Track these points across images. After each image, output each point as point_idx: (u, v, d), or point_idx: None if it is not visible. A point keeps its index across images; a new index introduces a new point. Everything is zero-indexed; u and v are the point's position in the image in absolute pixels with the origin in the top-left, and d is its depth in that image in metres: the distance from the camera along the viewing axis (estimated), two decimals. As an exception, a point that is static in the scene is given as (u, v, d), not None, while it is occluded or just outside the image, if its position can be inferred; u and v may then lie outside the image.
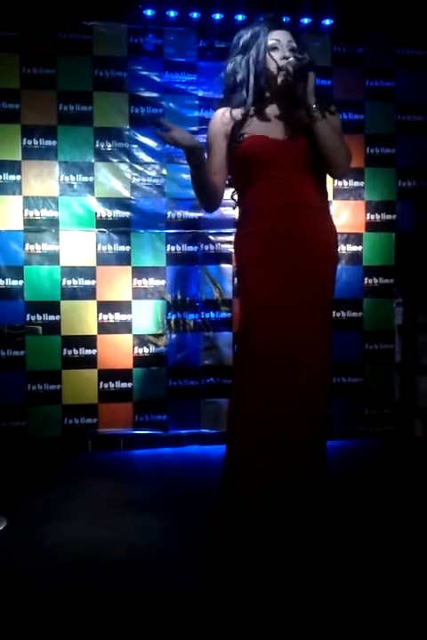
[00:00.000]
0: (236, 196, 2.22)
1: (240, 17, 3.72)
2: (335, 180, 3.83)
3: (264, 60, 2.05)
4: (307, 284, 2.06)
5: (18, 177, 3.60)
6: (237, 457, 2.09)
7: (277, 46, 2.06)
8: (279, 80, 2.05)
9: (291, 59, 2.02)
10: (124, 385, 3.70)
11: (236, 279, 2.22)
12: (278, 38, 2.06)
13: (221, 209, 3.72)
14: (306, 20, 3.78)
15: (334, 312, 3.72)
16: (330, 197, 3.82)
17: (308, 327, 2.05)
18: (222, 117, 2.10)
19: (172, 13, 3.69)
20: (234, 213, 3.74)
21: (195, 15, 3.71)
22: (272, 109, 2.11)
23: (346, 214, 3.88)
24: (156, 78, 3.72)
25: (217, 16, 3.72)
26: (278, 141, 2.07)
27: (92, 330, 3.66)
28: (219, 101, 2.19)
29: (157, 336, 3.73)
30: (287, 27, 2.13)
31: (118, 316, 3.69)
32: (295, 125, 2.08)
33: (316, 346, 2.07)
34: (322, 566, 2.01)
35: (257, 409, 2.05)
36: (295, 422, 2.06)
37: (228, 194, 2.25)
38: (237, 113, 2.09)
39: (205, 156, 2.12)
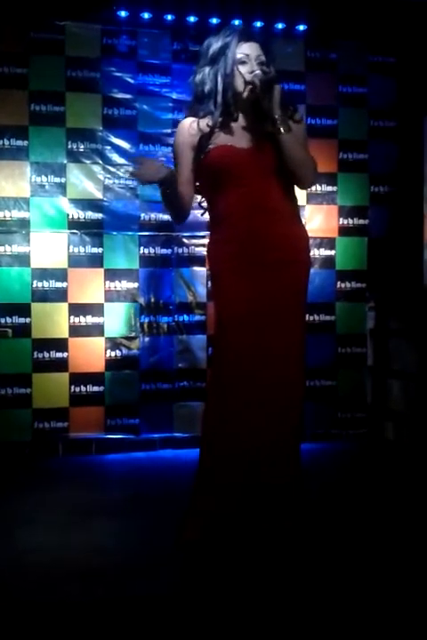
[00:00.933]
0: (204, 204, 2.22)
1: (214, 20, 3.72)
2: (309, 185, 3.86)
3: (232, 74, 2.05)
4: (279, 290, 2.08)
5: (-12, 177, 3.54)
6: (210, 460, 2.08)
7: (246, 60, 2.06)
8: (245, 95, 2.07)
9: (257, 72, 2.03)
10: (95, 388, 3.66)
11: (210, 283, 2.22)
12: (247, 52, 2.06)
13: (195, 212, 3.75)
14: (280, 26, 3.81)
15: (307, 315, 3.85)
16: (303, 202, 3.86)
17: (281, 333, 2.06)
18: (190, 128, 2.10)
19: (146, 15, 3.68)
20: (207, 215, 3.79)
21: (169, 17, 3.71)
22: (239, 121, 2.12)
23: (319, 219, 3.91)
24: (129, 80, 3.70)
25: (191, 19, 3.72)
26: (245, 150, 2.08)
27: (63, 333, 3.62)
28: (187, 108, 2.21)
29: (130, 339, 3.70)
30: (257, 39, 2.12)
31: (90, 319, 3.65)
32: (262, 134, 2.09)
33: (289, 352, 2.08)
34: (298, 567, 2.01)
35: (231, 413, 2.05)
36: (269, 426, 2.06)
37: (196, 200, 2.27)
38: (204, 124, 2.09)
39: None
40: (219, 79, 2.06)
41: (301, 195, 3.81)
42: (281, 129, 2.01)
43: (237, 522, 2.06)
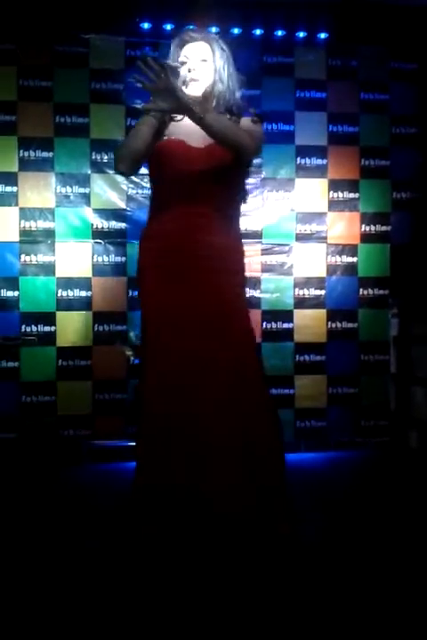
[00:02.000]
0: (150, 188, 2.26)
1: (236, 30, 3.75)
2: (331, 192, 3.87)
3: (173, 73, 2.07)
4: (203, 295, 2.06)
5: (14, 188, 3.61)
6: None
7: (185, 61, 2.12)
8: (189, 91, 2.11)
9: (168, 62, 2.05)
10: (119, 396, 3.69)
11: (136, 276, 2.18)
12: (187, 54, 2.13)
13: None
14: (301, 34, 3.82)
15: (329, 323, 3.85)
16: (325, 209, 3.86)
17: (205, 337, 2.04)
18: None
19: (168, 26, 3.72)
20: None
21: (191, 28, 3.73)
22: (186, 120, 2.10)
23: (341, 226, 3.90)
24: (152, 91, 3.74)
25: (213, 29, 3.74)
26: (195, 149, 2.10)
27: (87, 341, 3.66)
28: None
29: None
30: (202, 38, 2.17)
31: (114, 327, 3.69)
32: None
33: (215, 356, 2.03)
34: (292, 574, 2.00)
35: (160, 408, 2.03)
36: (206, 427, 2.02)
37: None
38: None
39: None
40: None
41: (323, 202, 3.86)
42: (198, 113, 1.99)
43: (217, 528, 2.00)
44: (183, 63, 2.13)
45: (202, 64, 2.14)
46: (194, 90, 2.14)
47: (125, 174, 2.23)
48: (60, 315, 3.64)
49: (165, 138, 2.12)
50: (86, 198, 3.67)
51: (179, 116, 2.12)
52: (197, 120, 2.01)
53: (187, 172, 2.07)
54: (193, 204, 2.07)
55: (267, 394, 2.21)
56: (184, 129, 2.12)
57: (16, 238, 3.61)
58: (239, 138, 2.07)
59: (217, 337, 2.05)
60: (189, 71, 2.12)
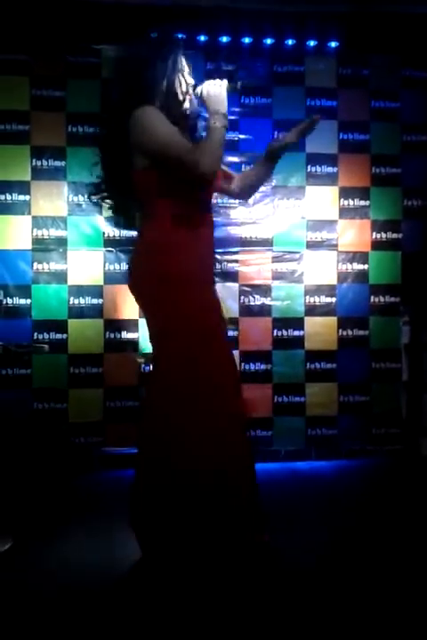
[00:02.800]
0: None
1: (247, 40, 3.77)
2: (342, 199, 3.87)
3: (175, 80, 2.09)
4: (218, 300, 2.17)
5: (27, 197, 3.64)
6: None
7: (185, 71, 2.13)
8: (187, 105, 2.13)
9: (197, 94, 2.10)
10: (130, 403, 3.70)
11: (156, 287, 2.07)
12: (185, 65, 2.15)
13: (229, 228, 3.80)
14: (312, 43, 3.83)
15: (340, 330, 3.85)
16: (336, 216, 3.87)
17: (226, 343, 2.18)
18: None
19: (179, 36, 3.74)
20: (239, 232, 3.82)
21: (202, 38, 3.77)
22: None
23: (352, 233, 3.90)
24: (163, 100, 3.77)
25: (224, 39, 3.78)
26: None
27: (98, 348, 3.68)
28: (135, 102, 2.09)
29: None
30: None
31: (125, 335, 3.70)
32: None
33: (230, 361, 2.15)
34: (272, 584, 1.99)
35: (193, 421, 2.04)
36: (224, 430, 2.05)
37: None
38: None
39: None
40: (163, 80, 2.07)
41: (333, 210, 3.87)
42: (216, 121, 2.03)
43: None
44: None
45: (189, 76, 2.15)
46: (186, 103, 2.14)
47: (209, 178, 2.06)
48: (71, 322, 3.67)
49: None
50: (98, 207, 3.67)
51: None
52: (224, 129, 2.04)
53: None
54: (208, 211, 2.13)
55: (242, 404, 2.21)
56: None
57: (29, 246, 3.65)
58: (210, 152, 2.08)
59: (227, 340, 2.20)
60: (186, 83, 2.13)
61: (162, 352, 2.06)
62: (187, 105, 2.13)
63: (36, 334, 3.63)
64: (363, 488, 3.21)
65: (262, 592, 1.95)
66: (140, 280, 2.12)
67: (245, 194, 2.35)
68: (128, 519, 2.14)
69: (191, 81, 2.14)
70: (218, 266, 3.78)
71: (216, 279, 2.23)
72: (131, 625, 1.80)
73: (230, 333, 3.80)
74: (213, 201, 2.24)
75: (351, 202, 3.90)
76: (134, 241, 2.24)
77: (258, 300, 3.83)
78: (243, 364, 3.80)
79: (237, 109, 3.81)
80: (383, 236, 3.92)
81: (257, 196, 3.81)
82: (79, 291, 3.68)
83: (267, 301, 3.83)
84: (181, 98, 2.11)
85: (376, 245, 3.91)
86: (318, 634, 1.74)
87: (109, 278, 3.70)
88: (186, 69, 2.14)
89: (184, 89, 2.12)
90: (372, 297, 3.90)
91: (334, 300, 3.87)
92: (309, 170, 3.87)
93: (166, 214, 2.06)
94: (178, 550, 2.01)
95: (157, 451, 2.04)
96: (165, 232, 2.07)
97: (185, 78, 2.12)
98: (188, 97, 2.12)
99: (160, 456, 2.03)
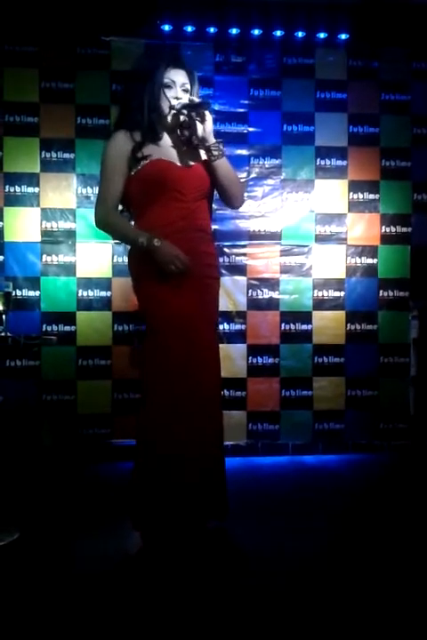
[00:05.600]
0: (129, 213, 2.29)
1: (256, 32, 3.76)
2: (351, 193, 3.86)
3: (158, 96, 2.16)
4: (204, 300, 2.20)
5: (36, 189, 3.65)
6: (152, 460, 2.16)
7: (172, 85, 2.17)
8: (169, 119, 2.18)
9: (183, 100, 2.15)
10: (137, 395, 3.70)
11: (137, 288, 2.23)
12: (174, 78, 2.17)
13: (237, 222, 3.80)
14: (322, 35, 3.81)
15: (349, 324, 3.85)
16: (345, 210, 3.85)
17: (206, 338, 2.18)
18: (124, 140, 2.16)
19: (189, 28, 3.74)
20: (248, 225, 3.81)
21: (212, 30, 3.76)
22: (167, 140, 2.21)
23: (361, 227, 3.89)
24: (172, 92, 3.76)
25: (233, 31, 3.76)
26: (183, 169, 2.19)
27: (107, 340, 3.69)
28: (116, 121, 2.25)
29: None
30: (184, 66, 2.22)
31: (133, 327, 3.71)
32: (194, 157, 2.22)
33: (208, 360, 2.17)
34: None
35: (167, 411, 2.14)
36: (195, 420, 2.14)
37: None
38: (137, 135, 2.16)
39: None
40: (145, 98, 2.16)
41: (343, 203, 3.85)
42: (217, 154, 2.17)
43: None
44: (207, 101, 2.19)
45: (183, 93, 2.19)
46: (173, 117, 2.18)
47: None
48: (80, 314, 3.68)
49: (149, 159, 2.14)
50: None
51: (146, 138, 2.16)
52: (219, 157, 2.17)
53: (182, 191, 2.15)
54: (191, 220, 2.16)
55: (220, 396, 2.29)
56: (164, 150, 2.18)
57: (38, 239, 3.66)
58: (239, 187, 2.29)
59: (213, 338, 2.24)
60: (176, 99, 2.17)
61: (145, 342, 2.21)
62: (173, 117, 2.17)
63: (44, 326, 3.64)
64: (369, 482, 3.20)
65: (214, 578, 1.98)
66: (131, 279, 2.28)
67: (226, 200, 2.31)
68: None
69: (180, 96, 2.17)
70: (227, 259, 3.79)
71: (203, 276, 2.20)
72: (133, 615, 1.81)
73: (238, 327, 3.81)
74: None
75: (361, 195, 3.88)
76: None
77: (266, 294, 3.83)
78: (250, 357, 3.81)
79: (246, 102, 3.80)
80: (393, 229, 3.90)
81: (266, 189, 3.83)
82: (88, 283, 3.69)
83: (275, 295, 3.83)
84: (165, 113, 2.17)
85: (385, 239, 3.90)
86: (317, 633, 1.75)
87: (118, 271, 3.71)
88: (175, 84, 2.17)
89: (169, 105, 2.16)
90: (381, 291, 3.89)
91: (342, 293, 3.86)
92: (318, 163, 3.86)
93: (143, 227, 2.16)
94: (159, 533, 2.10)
95: (138, 435, 2.25)
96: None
97: (168, 95, 2.16)
98: (173, 111, 2.16)
99: (139, 440, 2.23)
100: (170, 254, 2.08)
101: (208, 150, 2.17)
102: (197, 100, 2.16)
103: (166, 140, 2.21)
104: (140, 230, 2.14)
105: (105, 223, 2.21)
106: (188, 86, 2.19)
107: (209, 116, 2.15)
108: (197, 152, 2.22)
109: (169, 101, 2.16)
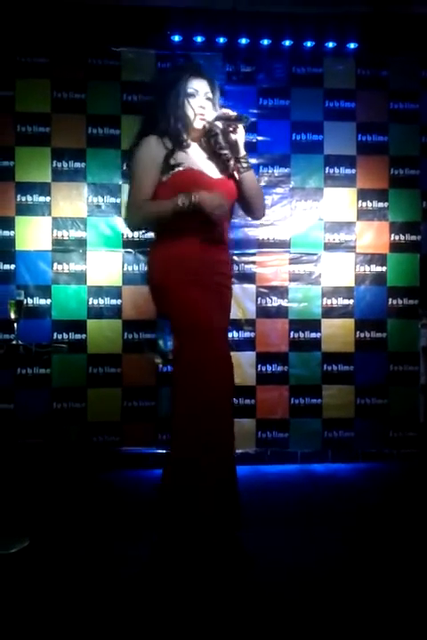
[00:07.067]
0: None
1: (265, 42, 3.78)
2: (360, 201, 3.87)
3: (183, 105, 2.20)
4: (224, 306, 2.27)
5: (47, 198, 3.69)
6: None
7: (195, 94, 2.21)
8: (198, 127, 2.21)
9: (226, 111, 2.19)
10: (147, 403, 3.73)
11: (158, 296, 2.23)
12: (197, 88, 2.22)
13: (246, 230, 3.81)
14: (331, 45, 3.82)
15: (358, 332, 3.85)
16: (354, 218, 3.86)
17: (223, 346, 2.23)
18: (157, 145, 2.18)
19: (199, 39, 3.77)
20: (257, 233, 3.83)
21: (221, 40, 3.79)
22: (196, 150, 2.25)
23: (370, 235, 3.89)
24: (182, 102, 3.79)
25: (243, 41, 3.79)
26: (213, 180, 2.22)
27: (117, 348, 3.71)
28: (140, 130, 2.26)
29: (181, 355, 3.76)
30: (206, 76, 2.26)
31: (143, 335, 3.73)
32: (221, 168, 2.25)
33: (228, 364, 2.22)
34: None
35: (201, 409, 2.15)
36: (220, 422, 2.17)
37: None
38: (167, 142, 2.19)
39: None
40: (169, 108, 2.20)
41: (351, 211, 3.86)
42: (246, 166, 2.24)
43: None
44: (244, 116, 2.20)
45: (207, 102, 2.23)
46: (198, 124, 2.21)
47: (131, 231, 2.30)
48: (90, 323, 3.71)
49: (182, 166, 2.17)
50: (117, 208, 3.74)
51: (188, 147, 2.21)
52: (245, 169, 2.23)
53: None
54: (215, 231, 2.19)
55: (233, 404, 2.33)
56: (193, 159, 2.21)
57: (49, 247, 3.69)
58: (263, 199, 2.35)
59: (228, 347, 2.27)
60: (201, 108, 2.20)
61: (175, 349, 2.25)
62: (198, 126, 2.21)
63: (55, 334, 3.67)
64: (379, 491, 3.20)
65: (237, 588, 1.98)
66: (150, 290, 2.28)
67: (249, 212, 2.37)
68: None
69: (203, 104, 2.20)
70: (236, 268, 3.80)
71: (219, 285, 2.24)
72: (141, 622, 1.82)
73: (247, 334, 3.82)
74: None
75: (370, 203, 3.89)
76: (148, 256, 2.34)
77: (275, 302, 3.84)
78: (259, 365, 3.82)
79: (255, 111, 3.83)
80: (402, 237, 3.90)
81: (275, 197, 3.85)
82: (98, 291, 3.72)
83: (284, 303, 3.84)
84: (191, 121, 2.20)
85: (395, 247, 3.90)
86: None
87: (128, 279, 3.73)
88: (198, 93, 2.21)
89: (194, 113, 2.20)
90: (390, 299, 3.89)
91: (351, 301, 3.87)
92: (327, 171, 3.87)
93: (167, 234, 2.18)
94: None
95: (172, 442, 2.21)
96: (162, 250, 2.22)
97: (193, 103, 2.19)
98: (199, 119, 2.20)
99: (172, 446, 2.19)
100: (217, 197, 2.09)
101: (238, 162, 2.23)
102: (232, 112, 2.19)
103: (194, 149, 2.24)
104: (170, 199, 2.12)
105: (139, 217, 2.19)
106: (210, 95, 2.23)
107: (242, 129, 2.20)
108: (223, 163, 2.25)
109: (194, 110, 2.20)
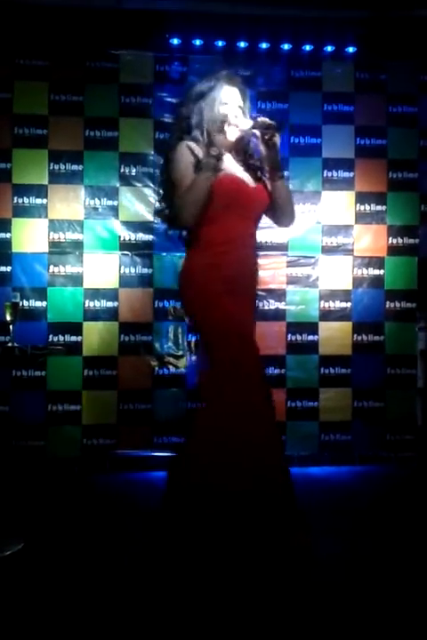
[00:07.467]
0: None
1: (264, 45, 3.78)
2: (358, 204, 3.87)
3: (217, 112, 2.23)
4: (255, 309, 2.37)
5: (44, 200, 3.69)
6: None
7: (228, 102, 2.25)
8: (228, 133, 2.22)
9: (262, 119, 2.21)
10: (143, 406, 3.72)
11: (192, 304, 2.27)
12: (230, 96, 2.26)
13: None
14: (329, 48, 3.83)
15: (355, 335, 3.84)
16: (352, 221, 3.86)
17: (256, 346, 2.28)
18: (193, 151, 2.21)
19: (197, 42, 3.77)
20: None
21: (220, 43, 3.79)
22: (227, 156, 2.27)
23: (368, 238, 3.88)
24: (180, 105, 3.79)
25: (242, 44, 3.79)
26: (249, 187, 2.26)
27: (113, 351, 3.71)
28: (175, 138, 2.30)
29: (177, 357, 3.76)
30: (238, 86, 2.30)
31: (139, 338, 3.73)
32: (253, 175, 2.30)
33: (260, 362, 2.28)
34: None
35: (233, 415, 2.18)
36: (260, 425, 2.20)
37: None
38: (203, 149, 2.20)
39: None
40: (203, 115, 2.24)
41: (349, 215, 3.86)
42: (281, 174, 2.28)
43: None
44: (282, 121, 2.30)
45: (239, 110, 2.26)
46: (231, 134, 2.23)
47: (187, 228, 2.28)
48: (86, 325, 3.70)
49: (223, 173, 2.19)
50: (114, 210, 3.73)
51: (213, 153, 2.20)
52: (279, 177, 2.26)
53: (247, 209, 2.25)
54: (249, 236, 2.26)
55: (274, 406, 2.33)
56: (228, 166, 2.24)
57: (45, 249, 3.69)
58: (293, 208, 2.39)
59: (257, 350, 2.29)
60: (235, 117, 2.23)
61: (207, 355, 2.25)
62: (231, 133, 2.22)
63: (51, 336, 3.66)
64: (376, 494, 3.18)
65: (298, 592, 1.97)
66: (182, 299, 2.36)
67: (280, 219, 2.40)
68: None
69: (236, 112, 2.24)
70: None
71: (251, 288, 2.33)
72: (140, 622, 1.81)
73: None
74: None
75: (368, 207, 3.88)
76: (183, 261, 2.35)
77: (272, 305, 3.83)
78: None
79: (254, 114, 3.81)
80: (400, 241, 3.90)
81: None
82: (95, 294, 3.71)
83: (281, 306, 3.83)
84: (224, 128, 2.22)
85: (392, 251, 3.89)
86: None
87: (125, 281, 3.73)
88: (231, 101, 2.25)
89: (228, 121, 2.22)
90: (387, 302, 3.88)
91: (349, 304, 3.86)
92: (325, 175, 3.86)
93: (204, 243, 2.22)
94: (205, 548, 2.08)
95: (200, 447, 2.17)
96: (198, 259, 2.24)
97: (225, 111, 2.22)
98: (233, 126, 2.22)
99: (197, 454, 2.16)
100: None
101: (273, 170, 2.25)
102: (269, 120, 2.21)
103: (227, 156, 2.26)
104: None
105: (189, 211, 2.16)
106: (241, 103, 2.28)
107: (278, 137, 2.22)
108: (254, 171, 2.29)
109: (227, 118, 2.22)
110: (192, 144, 2.23)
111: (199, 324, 2.28)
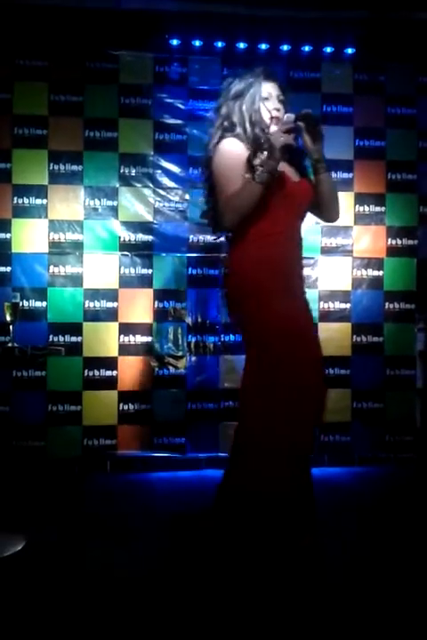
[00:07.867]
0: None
1: (264, 46, 3.79)
2: (357, 205, 3.87)
3: (259, 108, 2.22)
4: (306, 312, 2.31)
5: (44, 201, 3.68)
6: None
7: (269, 97, 2.24)
8: (272, 128, 2.21)
9: (306, 110, 2.19)
10: (143, 407, 3.72)
11: (246, 299, 2.19)
12: (270, 91, 2.25)
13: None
14: (328, 49, 3.83)
15: (354, 336, 3.85)
16: (351, 222, 3.87)
17: (318, 346, 2.31)
18: (239, 145, 2.20)
19: (197, 43, 3.77)
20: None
21: (219, 44, 3.79)
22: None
23: (367, 239, 3.89)
24: (180, 105, 3.80)
25: (241, 45, 3.80)
26: (295, 181, 2.25)
27: (113, 351, 3.71)
28: (217, 138, 2.26)
29: (177, 358, 3.76)
30: (277, 79, 2.30)
31: (139, 338, 3.73)
32: (297, 170, 2.29)
33: (319, 361, 2.30)
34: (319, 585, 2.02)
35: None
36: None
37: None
38: (247, 145, 2.20)
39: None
40: (245, 112, 2.22)
41: (349, 216, 3.87)
42: (325, 166, 2.24)
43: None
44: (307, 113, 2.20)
45: (281, 104, 2.26)
46: (277, 130, 2.19)
47: (229, 232, 2.29)
48: (86, 325, 3.70)
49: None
50: (114, 211, 3.74)
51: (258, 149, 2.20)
52: (324, 170, 2.23)
53: (293, 203, 2.23)
54: (295, 231, 2.25)
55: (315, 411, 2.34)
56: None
57: (45, 250, 3.69)
58: (338, 202, 2.34)
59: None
60: (276, 110, 2.23)
61: (252, 358, 2.24)
62: (273, 128, 2.20)
63: (51, 337, 3.66)
64: (376, 495, 3.19)
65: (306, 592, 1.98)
66: (231, 295, 2.28)
67: (325, 214, 2.37)
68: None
69: (277, 106, 2.23)
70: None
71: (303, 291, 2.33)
72: (139, 623, 1.81)
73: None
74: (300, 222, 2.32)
75: (367, 208, 3.89)
76: (226, 259, 2.36)
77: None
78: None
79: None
80: (399, 242, 3.91)
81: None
82: (94, 294, 3.71)
83: (281, 307, 3.83)
84: (267, 124, 2.22)
85: (391, 252, 3.90)
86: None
87: (124, 282, 3.73)
88: (272, 96, 2.24)
89: (270, 115, 2.22)
90: (386, 303, 3.89)
91: (348, 305, 3.87)
92: (324, 176, 3.86)
93: (251, 235, 2.18)
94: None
95: (244, 452, 2.18)
96: (249, 252, 2.19)
97: (268, 106, 2.22)
98: (275, 122, 2.21)
99: (245, 458, 2.17)
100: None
101: (318, 162, 2.23)
102: (312, 114, 2.19)
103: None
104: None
105: (234, 217, 2.15)
106: (282, 97, 2.27)
107: (322, 129, 2.21)
108: (297, 165, 2.28)
109: (270, 113, 2.22)
110: (237, 141, 2.20)
111: (251, 321, 2.19)
